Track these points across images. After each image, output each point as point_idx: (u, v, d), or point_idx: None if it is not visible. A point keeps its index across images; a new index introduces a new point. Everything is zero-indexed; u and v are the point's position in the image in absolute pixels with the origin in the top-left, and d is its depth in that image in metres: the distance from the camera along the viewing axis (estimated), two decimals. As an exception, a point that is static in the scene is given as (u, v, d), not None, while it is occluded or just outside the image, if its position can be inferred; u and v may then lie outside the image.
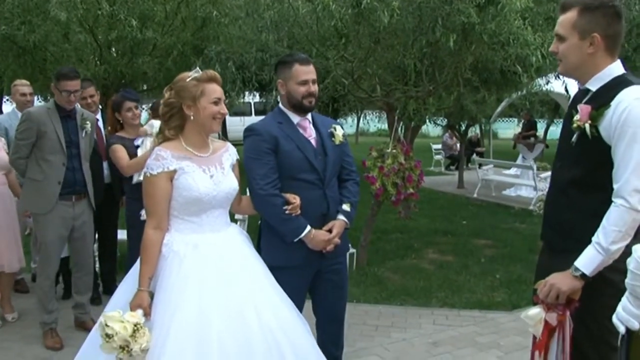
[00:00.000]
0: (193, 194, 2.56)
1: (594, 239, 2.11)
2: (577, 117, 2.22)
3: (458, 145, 14.93)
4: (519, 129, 18.29)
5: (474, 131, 17.52)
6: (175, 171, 2.56)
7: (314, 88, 2.98)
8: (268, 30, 5.98)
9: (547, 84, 8.95)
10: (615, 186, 2.10)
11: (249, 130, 3.01)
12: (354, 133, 27.94)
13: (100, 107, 5.30)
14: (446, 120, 13.18)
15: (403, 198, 5.72)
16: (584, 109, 2.19)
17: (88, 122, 4.26)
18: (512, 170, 13.48)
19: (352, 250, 6.14)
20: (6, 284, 4.75)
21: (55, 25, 6.08)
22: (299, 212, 2.90)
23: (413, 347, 4.29)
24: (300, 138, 2.99)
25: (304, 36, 5.74)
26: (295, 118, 3.02)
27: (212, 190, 2.60)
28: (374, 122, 25.38)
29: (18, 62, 6.79)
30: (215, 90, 2.60)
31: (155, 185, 2.55)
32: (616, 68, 2.21)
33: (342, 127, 3.19)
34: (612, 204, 2.09)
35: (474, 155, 15.21)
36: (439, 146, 17.82)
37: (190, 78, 2.59)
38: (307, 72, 2.97)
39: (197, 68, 2.69)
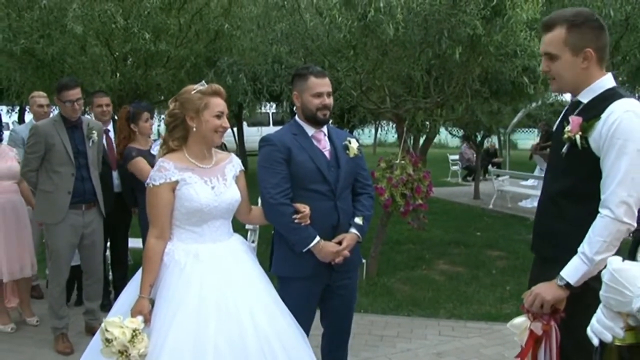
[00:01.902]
0: (194, 204, 2.62)
1: (579, 249, 2.12)
2: (568, 128, 2.23)
3: (474, 156, 14.86)
4: (538, 140, 18.10)
5: (491, 142, 17.40)
6: (177, 182, 2.62)
7: (329, 101, 3.01)
8: (279, 43, 6.07)
9: (559, 94, 8.88)
10: (602, 197, 2.11)
11: (264, 141, 3.06)
12: (371, 144, 27.90)
13: (115, 117, 5.43)
14: (462, 131, 13.15)
15: (412, 209, 5.72)
16: (574, 120, 2.21)
17: (94, 132, 4.37)
18: (530, 182, 13.37)
19: (362, 260, 6.16)
20: (24, 289, 4.91)
21: (72, 38, 6.25)
22: (308, 221, 2.91)
23: (417, 358, 4.30)
24: (313, 149, 3.02)
25: (316, 48, 5.82)
26: (310, 130, 3.06)
27: (213, 201, 2.65)
28: (392, 132, 25.36)
29: (37, 74, 6.97)
30: (218, 104, 2.66)
31: (158, 195, 2.62)
32: (607, 81, 2.23)
33: (357, 141, 3.20)
34: (598, 214, 2.10)
35: (490, 166, 15.11)
36: (456, 157, 17.73)
37: (195, 91, 2.66)
38: (322, 84, 2.99)
39: (203, 82, 2.76)
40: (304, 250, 2.94)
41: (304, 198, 2.96)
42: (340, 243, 2.99)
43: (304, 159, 2.97)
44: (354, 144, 3.13)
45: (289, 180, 2.96)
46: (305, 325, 2.96)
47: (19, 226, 4.66)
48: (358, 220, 3.08)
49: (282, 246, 3.07)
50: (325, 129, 3.12)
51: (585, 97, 2.25)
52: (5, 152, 4.71)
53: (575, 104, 2.31)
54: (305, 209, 2.92)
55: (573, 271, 2.12)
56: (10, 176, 4.61)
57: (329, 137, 3.12)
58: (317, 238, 2.93)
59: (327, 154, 3.06)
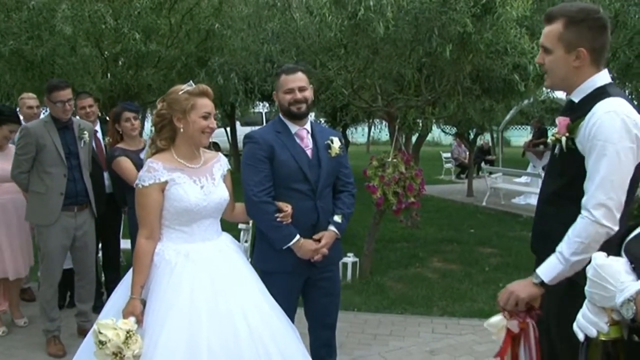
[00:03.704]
0: (184, 204, 2.62)
1: (557, 247, 2.10)
2: (555, 129, 2.24)
3: (466, 153, 14.90)
4: (531, 137, 18.16)
5: (484, 139, 17.46)
6: (166, 182, 2.62)
7: (300, 95, 3.05)
8: (270, 42, 6.06)
9: (551, 91, 8.91)
10: (583, 198, 2.09)
11: (248, 138, 3.11)
12: (365, 142, 27.90)
13: (101, 116, 5.42)
14: (455, 128, 13.19)
15: (404, 207, 5.73)
16: (561, 121, 2.19)
17: (86, 132, 4.36)
18: (523, 179, 13.43)
19: (355, 259, 6.18)
20: (15, 290, 4.89)
21: (62, 39, 6.23)
22: (290, 220, 2.98)
23: (410, 356, 4.31)
24: (296, 148, 3.07)
25: (307, 47, 5.82)
26: (293, 127, 3.10)
27: (202, 201, 2.66)
28: (385, 131, 25.36)
29: (26, 76, 6.93)
30: (205, 104, 2.65)
31: (147, 196, 2.62)
32: (599, 79, 2.19)
33: (340, 140, 3.23)
34: (579, 215, 2.08)
35: (483, 164, 15.15)
36: (450, 154, 17.80)
37: (182, 91, 2.65)
38: (293, 80, 3.06)
39: (190, 82, 2.75)
40: (284, 248, 3.00)
41: (285, 197, 3.02)
42: (319, 241, 3.06)
43: (286, 158, 3.03)
44: (335, 144, 3.17)
45: (272, 178, 3.02)
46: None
47: (20, 226, 4.64)
48: (337, 218, 3.14)
49: (263, 242, 3.13)
50: (308, 126, 3.16)
51: (576, 97, 2.23)
52: (12, 154, 4.67)
53: (569, 103, 2.30)
54: (287, 208, 2.98)
55: (549, 270, 2.11)
56: None
57: (313, 135, 3.16)
58: (298, 236, 3.00)
59: (309, 152, 3.11)
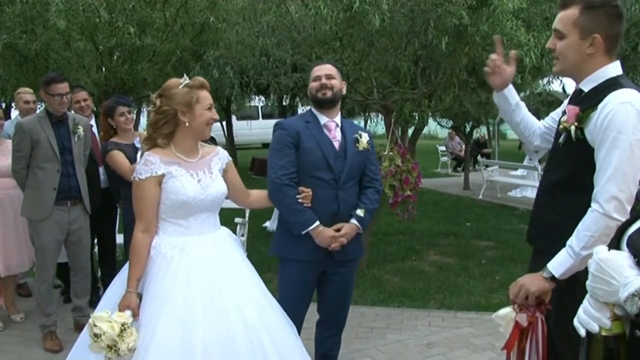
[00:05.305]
0: (180, 197, 2.61)
1: (568, 242, 2.07)
2: (564, 118, 2.19)
3: (461, 146, 14.90)
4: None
5: (480, 132, 17.47)
6: (163, 175, 2.61)
7: (325, 81, 3.13)
8: (266, 35, 6.03)
9: (547, 84, 8.89)
10: (594, 191, 2.06)
11: (277, 125, 3.21)
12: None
13: (96, 111, 5.40)
14: (451, 121, 13.19)
15: (400, 200, 5.73)
16: (571, 110, 2.16)
17: (80, 127, 4.33)
18: (519, 172, 13.45)
19: (363, 253, 6.15)
20: (10, 286, 4.87)
21: (56, 33, 6.19)
22: (309, 203, 3.01)
23: (407, 349, 4.31)
24: (323, 137, 3.12)
25: (303, 40, 5.80)
26: (322, 119, 3.17)
27: (199, 194, 2.65)
28: (381, 124, 25.32)
29: (20, 70, 6.88)
30: (207, 96, 2.68)
31: (144, 189, 2.61)
32: (612, 69, 2.15)
33: (368, 135, 3.28)
34: (589, 208, 2.05)
35: (479, 157, 15.17)
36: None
37: (182, 85, 2.64)
38: (319, 69, 3.18)
39: (185, 76, 2.74)
40: (303, 233, 3.03)
41: (307, 184, 3.06)
42: (338, 230, 3.07)
43: (312, 146, 3.08)
44: (364, 138, 3.22)
45: (296, 165, 3.07)
46: (299, 311, 3.07)
47: (17, 222, 4.61)
48: (359, 211, 3.16)
49: (283, 228, 3.18)
50: (338, 119, 3.21)
51: (586, 86, 2.19)
52: (8, 149, 4.65)
53: (578, 92, 2.26)
54: (307, 190, 3.02)
55: (559, 264, 2.08)
56: (9, 173, 4.57)
57: (342, 129, 3.21)
58: (317, 222, 3.02)
59: (336, 144, 3.15)
